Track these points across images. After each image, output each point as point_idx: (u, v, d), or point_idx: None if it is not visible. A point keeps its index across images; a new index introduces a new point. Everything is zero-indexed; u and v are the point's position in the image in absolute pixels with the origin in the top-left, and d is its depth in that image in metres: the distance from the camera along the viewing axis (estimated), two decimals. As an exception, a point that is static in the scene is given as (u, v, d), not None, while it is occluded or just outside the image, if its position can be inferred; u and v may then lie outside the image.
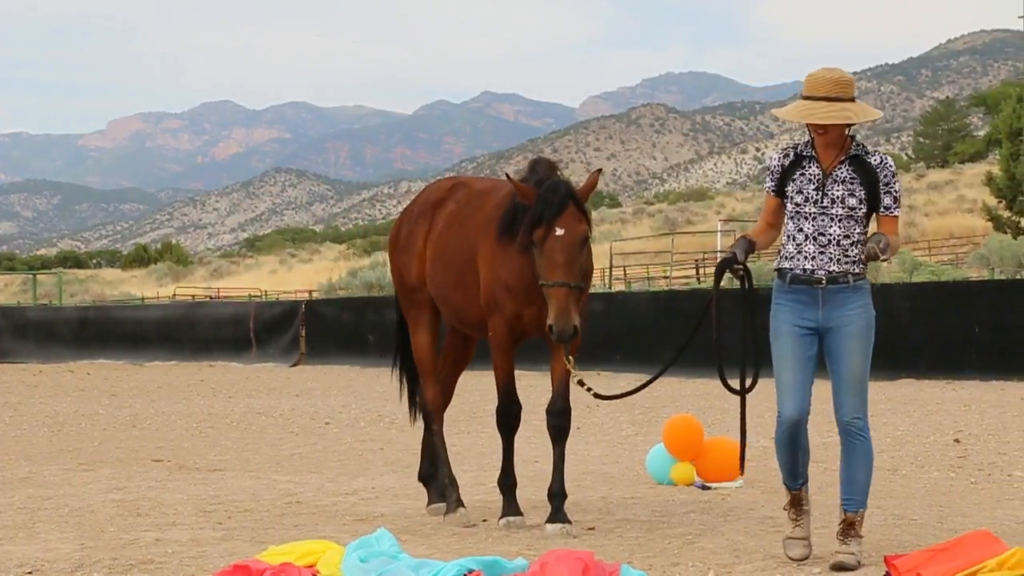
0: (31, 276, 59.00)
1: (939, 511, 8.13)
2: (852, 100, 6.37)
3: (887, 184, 6.43)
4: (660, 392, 17.79)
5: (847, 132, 6.46)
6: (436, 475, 8.28)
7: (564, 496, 7.76)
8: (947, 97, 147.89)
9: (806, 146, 6.50)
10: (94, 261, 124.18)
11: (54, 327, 36.13)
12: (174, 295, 57.03)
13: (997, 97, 75.20)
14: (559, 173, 7.64)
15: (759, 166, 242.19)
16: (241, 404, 18.79)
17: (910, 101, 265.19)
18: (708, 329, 6.60)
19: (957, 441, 11.98)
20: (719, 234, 53.21)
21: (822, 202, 6.37)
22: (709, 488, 9.30)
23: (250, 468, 11.19)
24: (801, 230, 6.41)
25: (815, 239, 6.37)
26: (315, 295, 44.32)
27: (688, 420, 9.76)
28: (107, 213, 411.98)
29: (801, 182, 6.42)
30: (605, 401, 7.73)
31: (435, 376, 8.39)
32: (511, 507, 7.70)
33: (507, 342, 7.70)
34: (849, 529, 6.43)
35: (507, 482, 7.79)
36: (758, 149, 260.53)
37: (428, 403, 8.35)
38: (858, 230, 6.40)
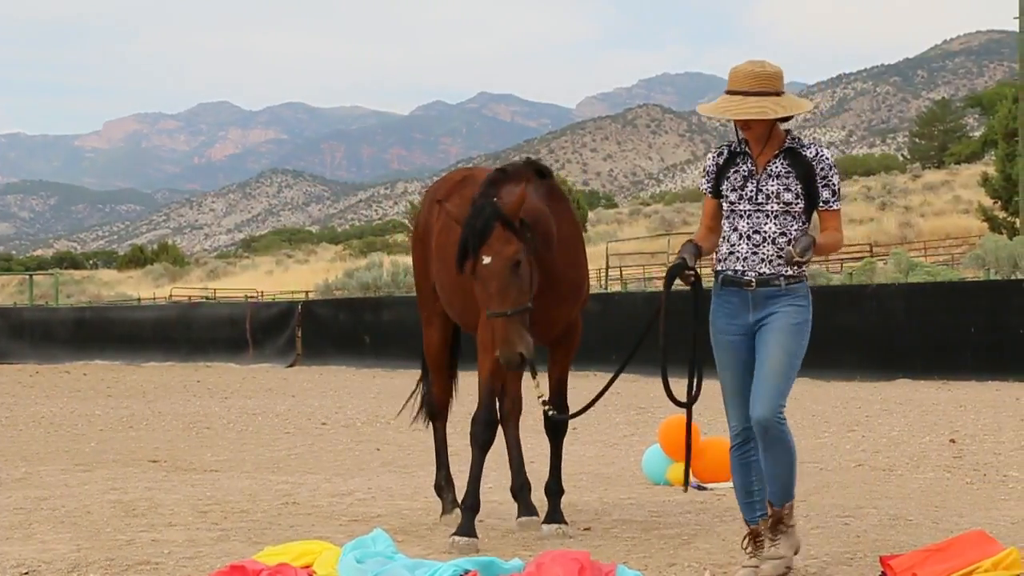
0: (27, 277, 58.80)
1: (934, 511, 8.14)
2: (777, 94, 6.06)
3: (824, 177, 6.12)
4: (655, 393, 17.76)
5: (782, 125, 6.19)
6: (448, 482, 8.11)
7: (561, 492, 7.77)
8: (943, 98, 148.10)
9: (740, 143, 6.20)
10: (90, 262, 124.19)
11: (50, 328, 36.09)
12: (170, 296, 57.05)
13: (993, 98, 75.42)
14: (535, 175, 7.41)
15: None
16: (237, 405, 18.78)
17: (906, 102, 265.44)
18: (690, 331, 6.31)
19: (952, 441, 11.99)
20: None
21: (756, 199, 6.10)
22: (704, 488, 9.31)
23: (246, 469, 11.19)
24: (736, 229, 6.14)
25: (749, 238, 6.09)
26: (311, 296, 44.31)
27: (683, 421, 9.76)
28: (104, 214, 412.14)
29: (735, 179, 6.15)
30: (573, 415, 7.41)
31: (444, 374, 8.23)
32: (466, 527, 7.19)
33: (490, 345, 7.50)
34: (778, 524, 6.15)
35: (469, 502, 7.31)
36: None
37: (435, 402, 8.22)
38: (796, 227, 6.09)
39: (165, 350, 33.00)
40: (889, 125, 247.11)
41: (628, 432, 13.78)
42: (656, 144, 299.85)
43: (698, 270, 6.27)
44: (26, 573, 6.65)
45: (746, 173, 6.13)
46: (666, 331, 6.31)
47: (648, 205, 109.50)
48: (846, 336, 21.60)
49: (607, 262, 44.02)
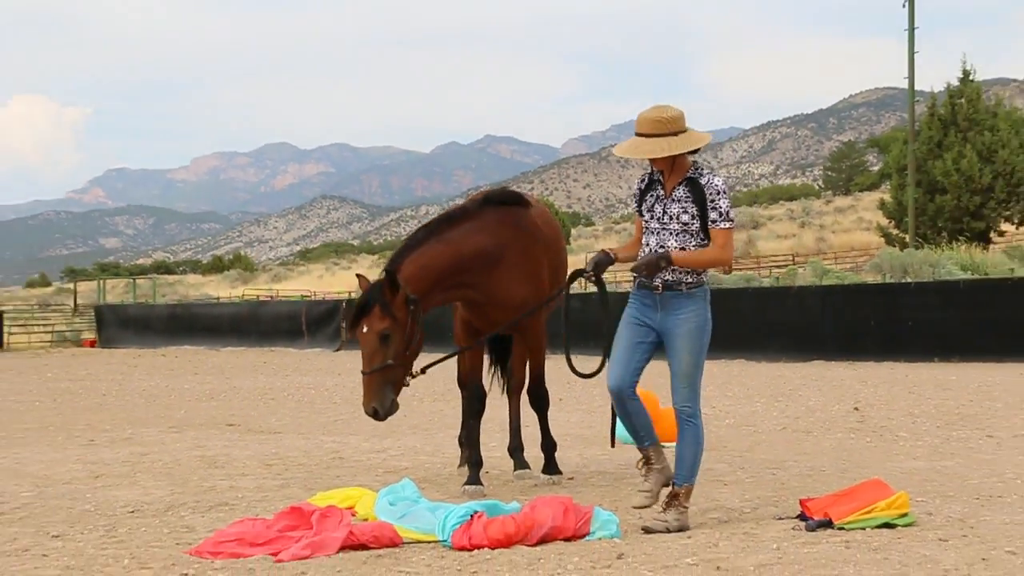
0: (132, 280, 58.86)
1: (842, 464, 8.15)
2: (674, 134, 5.81)
3: (712, 201, 5.82)
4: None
5: (689, 158, 5.93)
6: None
7: (553, 448, 7.75)
8: (849, 140, 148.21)
9: (655, 173, 5.99)
10: (180, 269, 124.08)
11: (149, 320, 36.13)
12: (243, 295, 56.97)
13: (888, 140, 75.61)
14: (494, 205, 7.17)
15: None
16: (295, 381, 18.79)
17: (820, 143, 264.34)
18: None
19: (856, 409, 12.00)
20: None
21: (663, 219, 5.89)
22: (664, 447, 9.31)
23: (302, 431, 11.21)
24: (647, 243, 5.95)
25: (656, 251, 5.90)
26: (353, 295, 44.27)
27: (647, 394, 9.76)
28: (190, 231, 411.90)
29: (650, 202, 5.96)
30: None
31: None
32: (473, 478, 7.21)
33: (464, 336, 7.46)
34: (673, 500, 5.90)
35: (474, 459, 7.29)
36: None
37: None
38: (693, 242, 5.85)
39: (238, 338, 33.04)
40: (807, 161, 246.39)
41: (604, 402, 13.71)
42: (625, 175, 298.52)
43: (601, 274, 6.23)
44: (132, 512, 6.67)
45: (657, 197, 5.97)
46: (568, 320, 6.52)
47: (618, 224, 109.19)
48: (774, 327, 21.64)
49: (586, 269, 43.86)
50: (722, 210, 5.85)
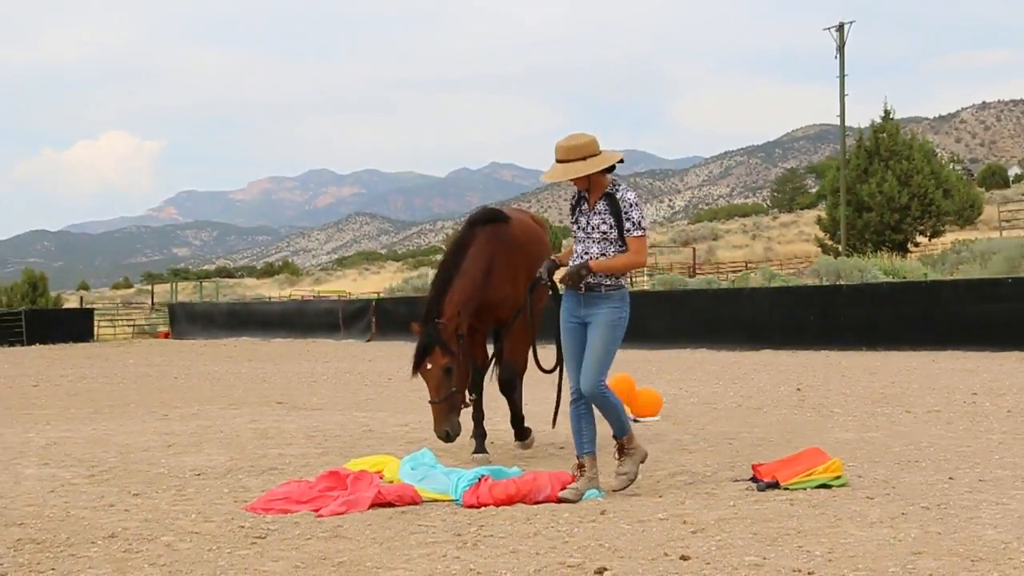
0: (198, 283, 59.06)
1: (787, 435, 8.12)
2: (584, 159, 5.59)
3: (625, 213, 5.58)
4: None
5: (608, 176, 5.69)
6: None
7: (521, 421, 7.55)
8: (792, 167, 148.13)
9: (583, 190, 5.76)
10: (239, 273, 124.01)
11: (213, 316, 36.06)
12: (290, 295, 56.91)
13: (824, 167, 75.45)
14: (485, 223, 7.13)
15: (671, 211, 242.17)
16: (333, 366, 18.78)
17: (768, 169, 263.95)
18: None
19: (798, 390, 11.96)
20: (645, 255, 53.03)
21: (587, 229, 5.68)
22: (638, 421, 9.30)
23: (339, 408, 11.18)
24: (575, 251, 5.76)
25: (582, 256, 5.68)
26: (381, 295, 44.22)
27: (624, 376, 9.77)
28: (247, 242, 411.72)
29: (578, 215, 5.76)
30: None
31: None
32: (480, 448, 7.23)
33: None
34: (622, 448, 5.79)
35: (480, 432, 7.33)
36: (670, 200, 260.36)
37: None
38: (612, 249, 5.61)
39: (286, 331, 32.96)
40: (758, 184, 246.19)
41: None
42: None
43: (553, 279, 6.02)
44: (198, 475, 6.66)
45: (582, 211, 5.79)
46: (532, 320, 6.44)
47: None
48: (730, 321, 21.59)
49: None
50: (634, 220, 5.61)
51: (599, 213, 5.67)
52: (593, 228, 5.68)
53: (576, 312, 5.76)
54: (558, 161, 5.69)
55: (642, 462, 5.90)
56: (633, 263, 5.64)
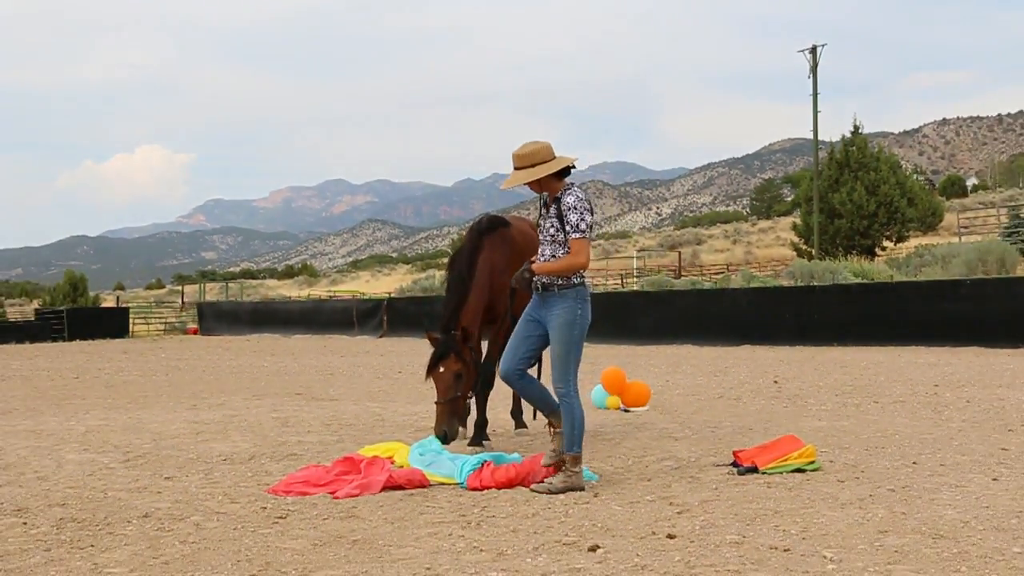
0: (225, 284, 59.08)
1: (765, 424, 8.11)
2: (533, 165, 5.36)
3: (565, 216, 5.33)
4: (599, 353, 17.80)
5: (563, 181, 5.46)
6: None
7: (485, 424, 7.37)
8: (769, 178, 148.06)
9: (543, 196, 5.57)
10: (261, 275, 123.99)
11: (238, 314, 36.10)
12: (308, 295, 56.88)
13: (798, 178, 75.62)
14: (486, 231, 7.12)
15: (658, 218, 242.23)
16: (348, 360, 18.77)
17: (748, 180, 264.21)
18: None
19: (776, 382, 11.96)
20: (634, 259, 53.28)
21: (544, 231, 5.48)
22: (629, 411, 9.30)
23: (354, 399, 11.16)
24: (540, 251, 5.54)
25: (541, 257, 5.49)
26: (393, 295, 44.21)
27: (616, 369, 9.77)
28: (269, 247, 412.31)
29: (539, 219, 5.60)
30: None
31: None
32: (481, 436, 7.17)
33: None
34: (561, 465, 5.36)
35: (481, 422, 7.26)
36: (657, 208, 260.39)
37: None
38: (562, 251, 5.37)
39: (305, 327, 33.01)
40: (738, 193, 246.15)
41: (582, 377, 13.70)
42: (598, 204, 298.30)
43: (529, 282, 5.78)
44: (224, 460, 6.65)
45: (542, 215, 5.63)
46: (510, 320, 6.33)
47: (594, 241, 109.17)
48: (713, 319, 21.59)
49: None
50: (573, 223, 5.32)
51: (550, 217, 5.47)
52: (546, 230, 5.49)
53: (538, 311, 5.56)
54: (515, 168, 5.52)
55: (574, 490, 5.26)
56: (573, 264, 5.33)
